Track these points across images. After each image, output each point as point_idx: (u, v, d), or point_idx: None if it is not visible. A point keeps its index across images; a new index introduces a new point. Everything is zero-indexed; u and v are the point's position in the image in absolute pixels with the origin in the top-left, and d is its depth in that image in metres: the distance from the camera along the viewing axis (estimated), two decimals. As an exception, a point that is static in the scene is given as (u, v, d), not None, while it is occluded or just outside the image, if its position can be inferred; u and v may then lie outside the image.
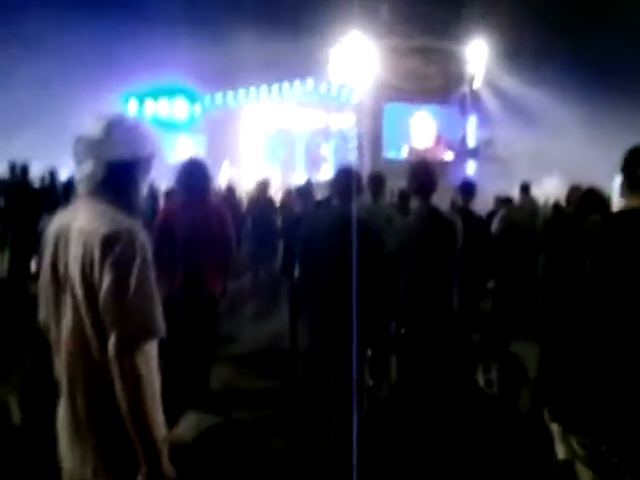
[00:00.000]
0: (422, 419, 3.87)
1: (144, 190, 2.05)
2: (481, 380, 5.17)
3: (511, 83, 18.26)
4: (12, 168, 9.26)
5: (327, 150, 20.48)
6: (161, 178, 9.59)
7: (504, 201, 9.18)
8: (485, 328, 6.41)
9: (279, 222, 8.39)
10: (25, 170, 9.18)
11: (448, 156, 19.29)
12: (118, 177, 1.91)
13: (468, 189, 6.04)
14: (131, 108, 19.11)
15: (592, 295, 2.07)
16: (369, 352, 4.75)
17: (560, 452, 2.21)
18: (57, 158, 9.57)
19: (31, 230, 4.89)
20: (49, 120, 15.21)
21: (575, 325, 2.17)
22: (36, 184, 9.84)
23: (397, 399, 4.12)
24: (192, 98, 19.69)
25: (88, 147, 1.88)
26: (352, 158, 18.50)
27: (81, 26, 16.41)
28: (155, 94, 19.37)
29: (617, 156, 2.23)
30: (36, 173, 10.13)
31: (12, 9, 16.89)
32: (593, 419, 2.07)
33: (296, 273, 4.89)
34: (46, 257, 1.94)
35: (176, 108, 19.70)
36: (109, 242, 1.76)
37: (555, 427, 2.22)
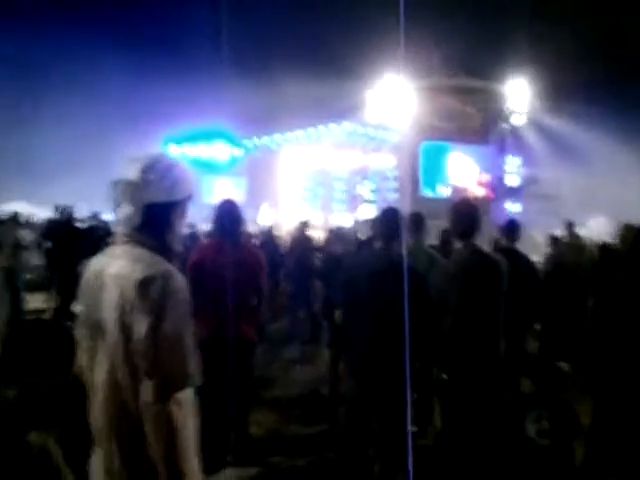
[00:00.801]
0: (469, 470, 3.68)
1: (184, 231, 2.02)
2: (532, 429, 4.94)
3: (554, 121, 18.04)
4: (58, 210, 9.48)
5: (365, 190, 20.47)
6: (202, 220, 9.70)
7: (553, 240, 8.95)
8: (535, 373, 6.16)
9: (318, 263, 8.31)
10: (70, 212, 9.38)
11: (488, 195, 19.08)
12: (155, 219, 1.88)
13: (513, 229, 5.85)
14: (172, 152, 19.50)
15: None
16: (414, 396, 4.59)
17: None
18: (101, 201, 9.77)
19: (74, 272, 4.93)
20: (94, 164, 15.66)
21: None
22: (84, 225, 10.05)
23: (442, 448, 3.94)
24: (232, 141, 19.99)
25: (125, 190, 1.87)
26: (392, 197, 18.45)
27: (127, 74, 16.99)
28: (194, 138, 19.72)
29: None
30: (82, 215, 10.38)
31: (61, 60, 17.63)
32: None
33: (337, 316, 4.78)
34: (82, 303, 1.91)
35: (217, 151, 20.00)
36: (144, 286, 1.73)
37: None
